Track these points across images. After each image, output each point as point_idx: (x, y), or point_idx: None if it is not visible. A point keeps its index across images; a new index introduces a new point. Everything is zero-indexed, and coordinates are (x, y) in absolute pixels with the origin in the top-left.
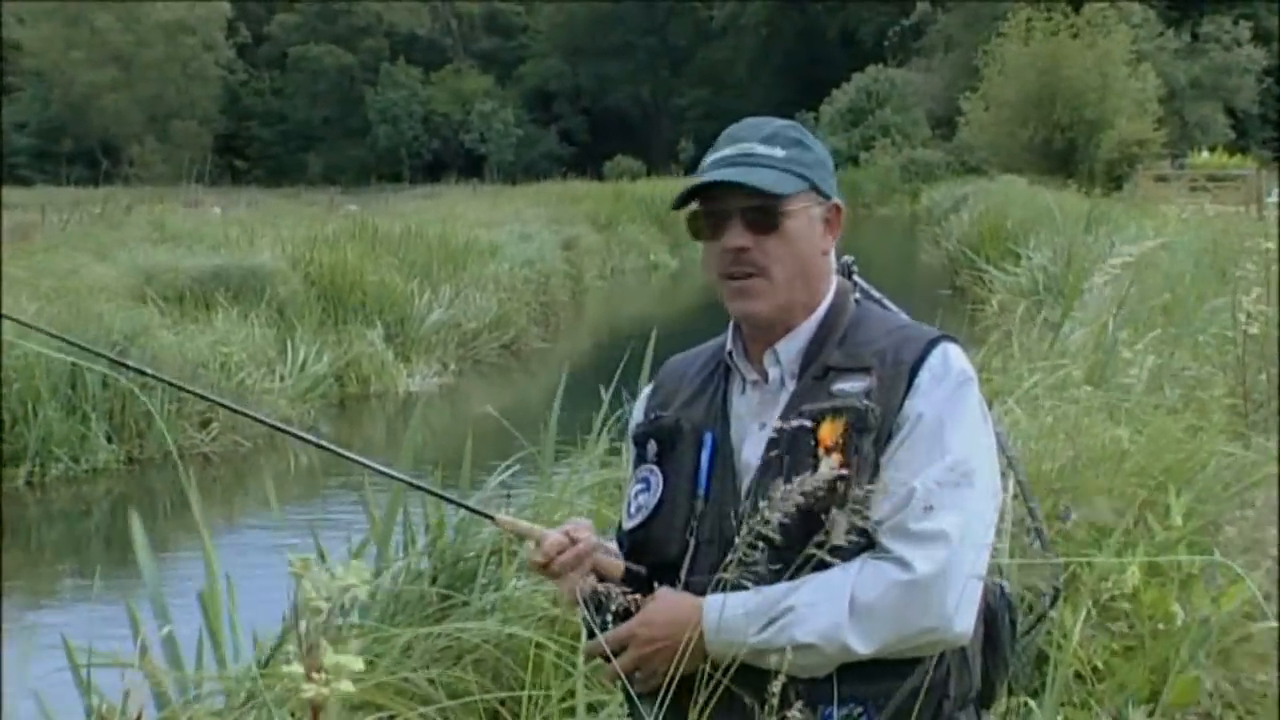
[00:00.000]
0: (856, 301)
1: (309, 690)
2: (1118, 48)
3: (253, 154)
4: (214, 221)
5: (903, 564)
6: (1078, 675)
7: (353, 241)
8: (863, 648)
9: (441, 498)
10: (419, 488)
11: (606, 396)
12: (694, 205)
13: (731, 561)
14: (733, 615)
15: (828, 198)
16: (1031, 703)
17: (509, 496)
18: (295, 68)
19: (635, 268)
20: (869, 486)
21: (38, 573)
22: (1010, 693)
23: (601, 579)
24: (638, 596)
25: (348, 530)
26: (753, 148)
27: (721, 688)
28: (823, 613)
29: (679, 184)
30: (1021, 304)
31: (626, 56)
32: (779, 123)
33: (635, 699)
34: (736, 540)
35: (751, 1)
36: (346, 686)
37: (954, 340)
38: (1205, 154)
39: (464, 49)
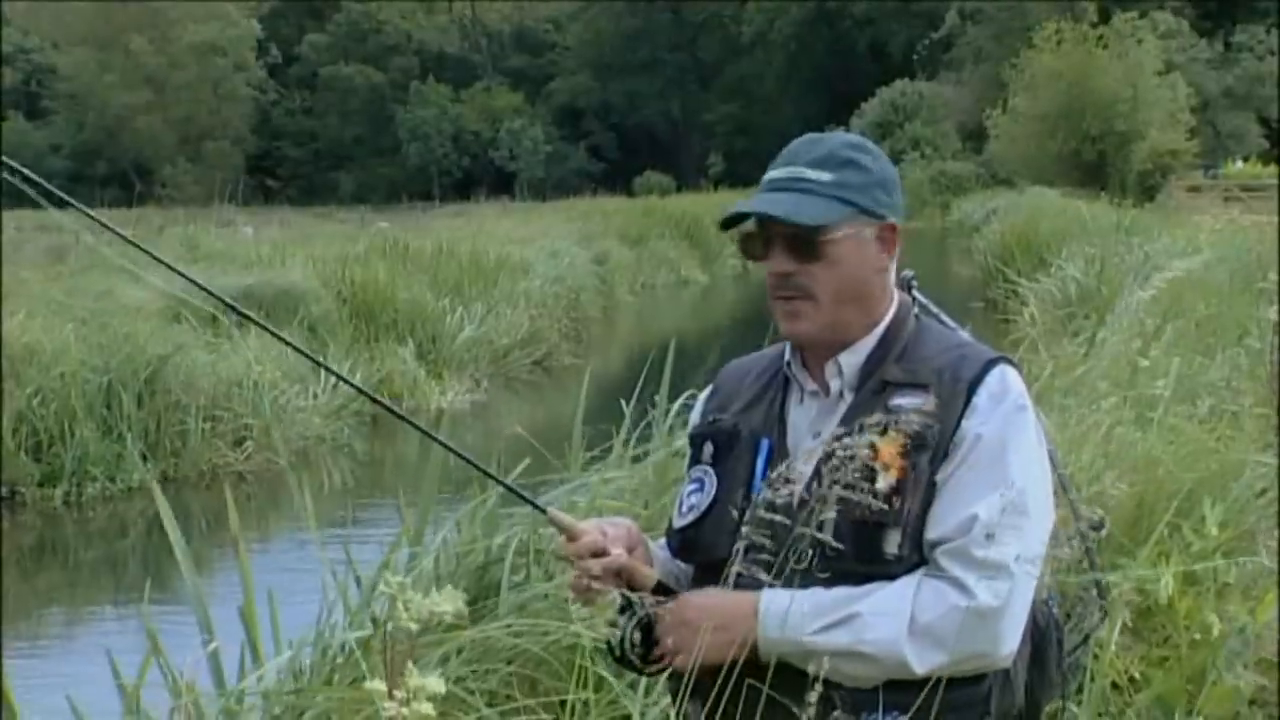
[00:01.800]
0: (916, 317)
1: (390, 709)
2: (1148, 58)
3: (284, 173)
4: (246, 241)
5: (963, 589)
6: (1114, 685)
7: (384, 259)
8: (919, 666)
9: (507, 487)
10: (501, 482)
11: (629, 409)
12: (747, 225)
13: (784, 557)
14: (792, 609)
15: (882, 217)
16: (1074, 708)
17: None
18: (326, 87)
19: (666, 283)
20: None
21: (75, 592)
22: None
23: (631, 588)
24: (668, 606)
25: (382, 546)
26: (802, 172)
27: (757, 689)
28: (884, 625)
29: (710, 199)
30: (1054, 315)
31: (655, 72)
32: (836, 140)
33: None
34: (795, 528)
35: (780, 16)
36: (427, 709)
37: (1012, 362)
38: (1239, 164)
39: (493, 66)
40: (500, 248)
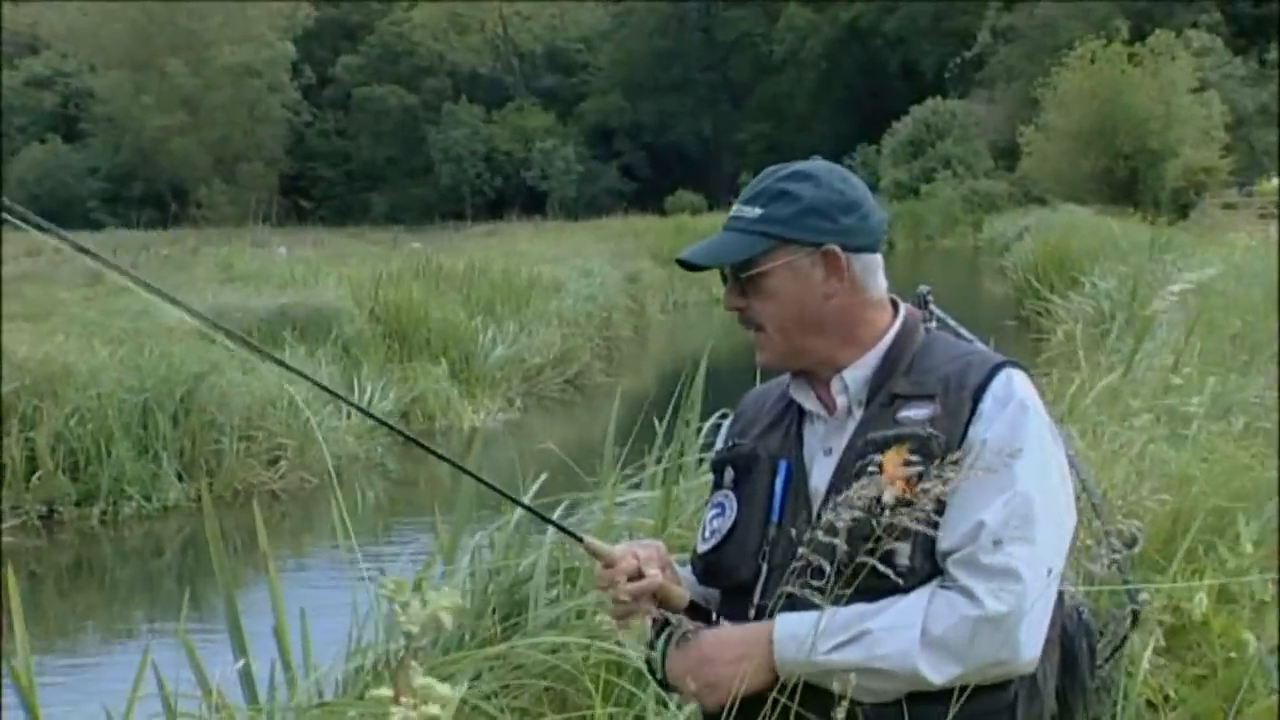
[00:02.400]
0: (928, 330)
1: (397, 714)
2: (1181, 75)
3: (317, 194)
4: (280, 261)
5: (972, 598)
6: (1149, 703)
7: (417, 279)
8: (935, 678)
9: (543, 518)
10: (533, 511)
11: (661, 428)
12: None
13: (792, 573)
14: (805, 631)
15: (818, 244)
16: None
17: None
18: (359, 108)
19: (697, 301)
20: (934, 515)
21: (111, 610)
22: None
23: (666, 608)
24: (700, 626)
25: (414, 563)
26: (740, 210)
27: (788, 708)
28: (896, 639)
29: None
30: (1088, 332)
31: (687, 92)
32: (781, 172)
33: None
34: (802, 552)
35: (812, 35)
36: (434, 710)
37: (1020, 366)
38: (1274, 180)
39: (525, 87)
40: (532, 267)
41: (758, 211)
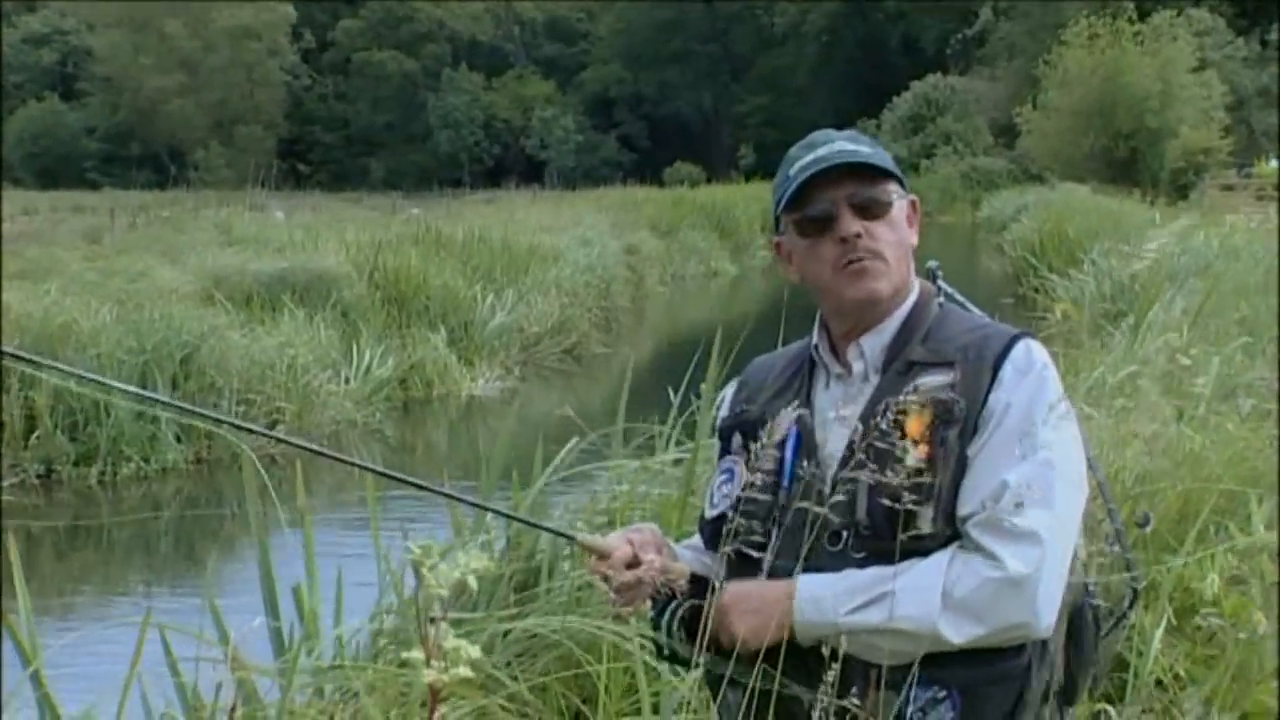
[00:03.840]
0: (940, 304)
1: (429, 674)
2: (1181, 55)
3: (315, 158)
4: (278, 225)
5: (994, 560)
6: (1159, 682)
7: (417, 246)
8: (956, 638)
9: (519, 520)
10: (497, 511)
11: (677, 399)
12: (794, 216)
13: (810, 536)
14: (826, 594)
15: (906, 193)
16: (1111, 710)
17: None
18: (358, 73)
19: (695, 274)
20: (957, 478)
21: (109, 572)
22: (1091, 698)
23: (667, 586)
24: (700, 603)
25: (408, 530)
26: (842, 145)
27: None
28: (917, 601)
29: (741, 191)
30: (1087, 311)
31: (687, 63)
32: (844, 132)
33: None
34: (819, 514)
35: (813, 8)
36: (465, 672)
37: (1034, 337)
38: (1273, 163)
39: (526, 55)
40: (531, 236)
41: (869, 149)
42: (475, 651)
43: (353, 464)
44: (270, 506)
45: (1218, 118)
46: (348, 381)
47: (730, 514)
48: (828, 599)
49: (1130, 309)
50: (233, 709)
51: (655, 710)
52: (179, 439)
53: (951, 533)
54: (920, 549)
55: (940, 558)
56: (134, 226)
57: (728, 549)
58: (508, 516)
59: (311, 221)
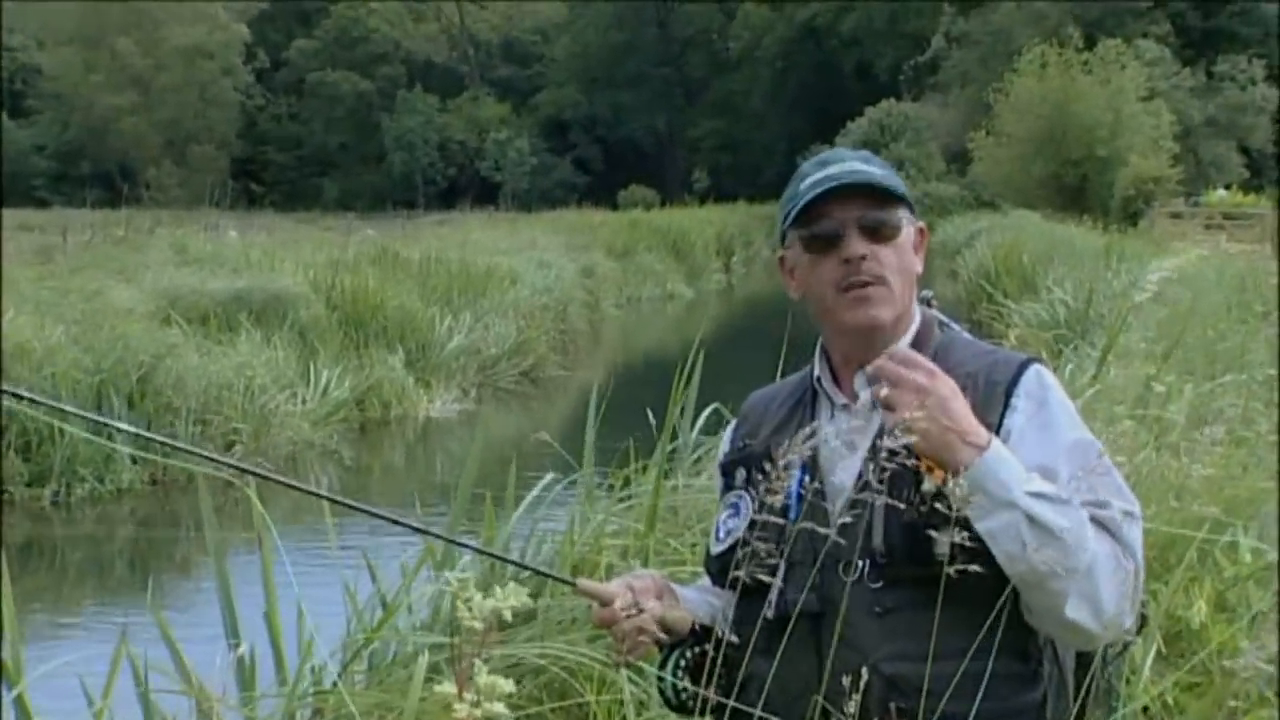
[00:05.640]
0: (943, 328)
1: (461, 710)
2: (1130, 84)
3: (269, 178)
4: (231, 245)
5: (1128, 547)
6: (1145, 710)
7: (373, 267)
8: (1075, 594)
9: (509, 562)
10: (499, 557)
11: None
12: (800, 232)
13: (822, 568)
14: (1014, 461)
15: (915, 219)
16: None
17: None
18: (312, 93)
19: (651, 297)
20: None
21: (60, 593)
22: None
23: (668, 632)
24: (707, 648)
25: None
26: (855, 165)
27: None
28: (1082, 536)
29: (696, 214)
30: (1040, 338)
31: (642, 86)
32: (856, 152)
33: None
34: (831, 546)
35: (768, 34)
36: (499, 709)
37: (1043, 362)
38: (1221, 192)
39: (480, 77)
40: (488, 258)
41: (880, 171)
42: (510, 686)
43: (343, 503)
44: (227, 530)
45: (1166, 146)
46: (304, 402)
47: (739, 548)
48: (1017, 470)
49: (1081, 337)
50: None
51: None
52: (134, 460)
53: (967, 558)
54: (937, 575)
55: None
56: (90, 245)
57: (740, 573)
58: (511, 563)
59: (266, 241)
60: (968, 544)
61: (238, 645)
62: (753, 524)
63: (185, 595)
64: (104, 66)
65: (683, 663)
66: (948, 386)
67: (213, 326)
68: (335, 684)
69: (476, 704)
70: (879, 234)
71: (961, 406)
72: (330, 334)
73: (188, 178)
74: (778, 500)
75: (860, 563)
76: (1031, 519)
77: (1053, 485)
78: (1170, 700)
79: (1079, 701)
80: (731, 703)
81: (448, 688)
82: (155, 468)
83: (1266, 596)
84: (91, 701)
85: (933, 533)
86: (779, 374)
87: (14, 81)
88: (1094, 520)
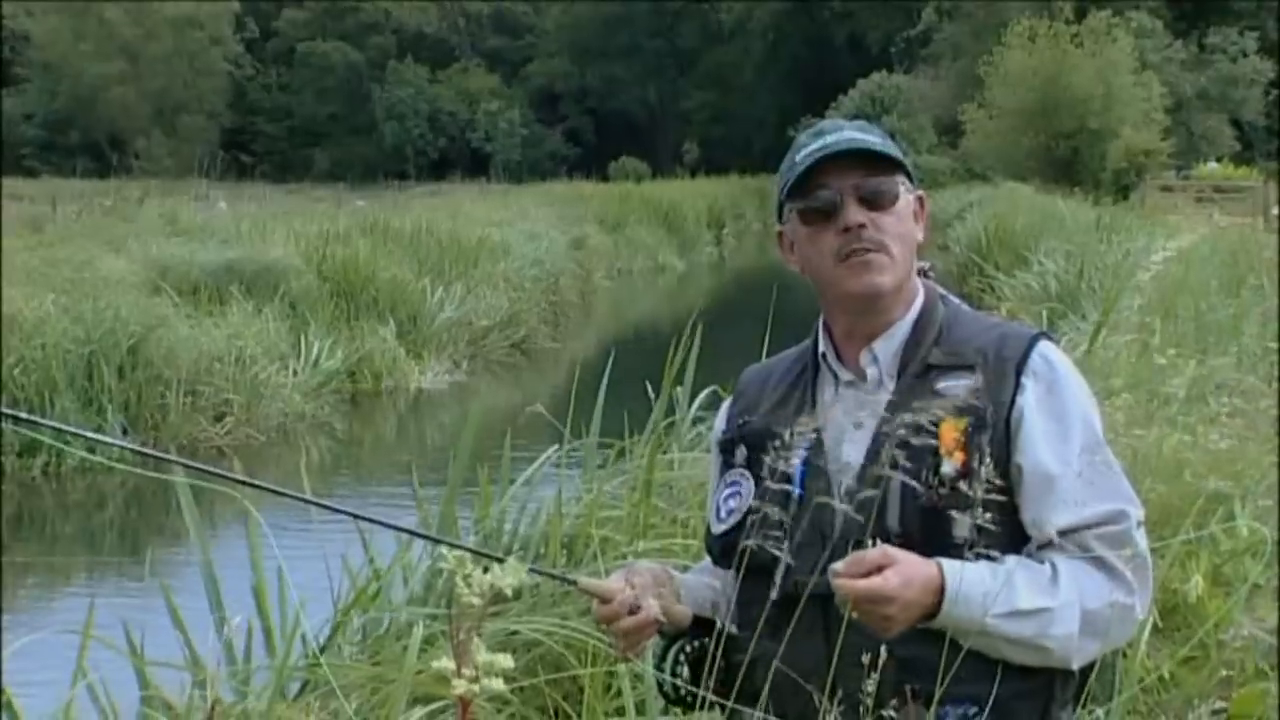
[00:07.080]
0: (944, 301)
1: (459, 686)
2: (1122, 56)
3: (259, 149)
4: (221, 216)
5: (1124, 583)
6: (1142, 684)
7: (365, 238)
8: (1079, 663)
9: (497, 559)
10: (494, 558)
11: (658, 403)
12: (797, 204)
13: (833, 548)
14: (977, 591)
15: (914, 188)
16: (1100, 712)
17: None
18: (303, 64)
19: (643, 269)
20: (998, 482)
21: (53, 564)
22: (1077, 701)
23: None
24: (706, 642)
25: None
26: (851, 134)
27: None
28: (1067, 621)
29: (688, 186)
30: (1035, 310)
31: (633, 58)
32: (853, 122)
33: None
34: (840, 525)
35: (760, 6)
36: (498, 684)
37: (1051, 337)
38: (1212, 164)
39: (471, 48)
40: (480, 229)
41: (878, 139)
42: (508, 662)
43: (329, 508)
44: (220, 505)
45: (1158, 119)
46: (296, 374)
47: (743, 528)
48: (977, 600)
49: (1072, 309)
50: (212, 707)
51: (640, 711)
52: (125, 430)
53: (985, 542)
54: (954, 558)
55: (1076, 568)
56: (80, 215)
57: (746, 544)
58: (502, 560)
59: (256, 212)
60: (990, 526)
61: (224, 620)
62: (761, 498)
63: (175, 567)
64: (93, 35)
65: (682, 657)
66: (899, 575)
67: (203, 297)
68: (321, 649)
69: (475, 679)
70: (877, 202)
71: (910, 570)
72: (321, 305)
73: (177, 148)
74: (791, 469)
75: (872, 543)
76: (1006, 639)
77: (1027, 583)
78: (1166, 674)
79: (1083, 678)
80: (731, 704)
81: (445, 662)
82: (147, 438)
83: (1263, 571)
84: (84, 673)
85: (955, 514)
86: (764, 350)
87: (1, 49)
88: (1089, 561)
